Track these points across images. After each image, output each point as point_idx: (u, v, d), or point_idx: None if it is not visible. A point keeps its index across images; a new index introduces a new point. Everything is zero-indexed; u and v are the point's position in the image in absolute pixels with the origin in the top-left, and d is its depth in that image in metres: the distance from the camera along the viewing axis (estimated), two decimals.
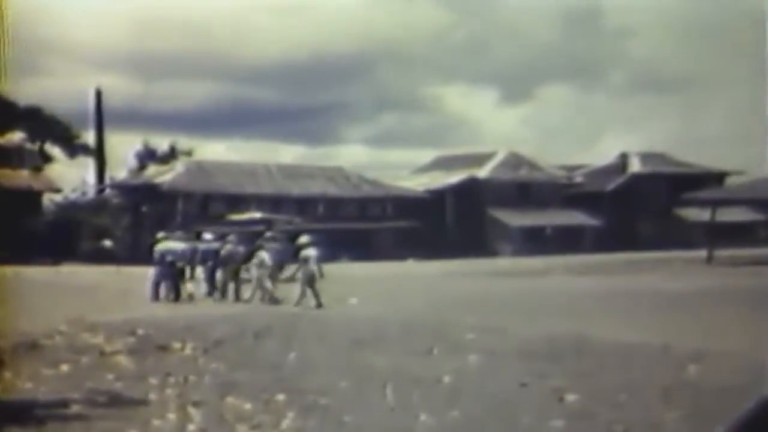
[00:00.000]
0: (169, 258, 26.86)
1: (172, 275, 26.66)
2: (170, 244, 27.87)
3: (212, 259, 27.43)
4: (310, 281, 24.33)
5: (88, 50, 70.66)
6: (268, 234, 30.28)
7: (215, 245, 28.18)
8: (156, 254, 27.30)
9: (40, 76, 65.22)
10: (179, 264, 27.01)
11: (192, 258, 27.59)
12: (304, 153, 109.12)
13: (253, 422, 10.35)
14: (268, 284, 25.88)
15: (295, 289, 24.69)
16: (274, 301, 25.40)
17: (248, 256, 27.16)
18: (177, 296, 26.36)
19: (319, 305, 23.73)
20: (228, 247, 27.47)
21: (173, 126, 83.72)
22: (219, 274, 27.09)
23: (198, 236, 30.58)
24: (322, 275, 24.58)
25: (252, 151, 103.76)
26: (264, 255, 26.34)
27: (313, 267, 24.39)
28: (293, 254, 26.89)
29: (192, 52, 76.04)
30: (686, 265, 41.14)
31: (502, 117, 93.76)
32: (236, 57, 78.80)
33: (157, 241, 28.27)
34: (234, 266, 26.85)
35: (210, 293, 26.96)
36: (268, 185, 59.66)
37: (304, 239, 26.07)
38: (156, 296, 26.37)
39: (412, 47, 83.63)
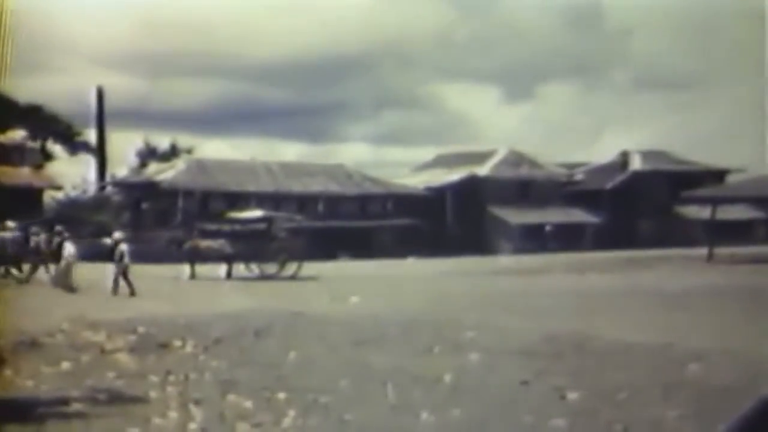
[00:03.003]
0: None
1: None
2: None
3: (14, 249, 29.37)
4: (123, 273, 27.31)
5: (89, 48, 70.54)
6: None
7: (16, 235, 30.24)
8: None
9: (41, 73, 65.11)
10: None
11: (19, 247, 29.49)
12: (305, 151, 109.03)
13: (254, 420, 10.35)
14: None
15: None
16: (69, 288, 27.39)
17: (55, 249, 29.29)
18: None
19: (132, 294, 26.30)
20: (34, 239, 30.26)
21: (175, 124, 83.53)
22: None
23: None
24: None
25: (254, 149, 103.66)
26: (69, 247, 28.69)
27: (126, 261, 27.51)
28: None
29: (194, 50, 75.93)
30: (686, 263, 41.10)
31: (503, 115, 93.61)
32: (238, 55, 78.67)
33: None
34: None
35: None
36: (268, 183, 59.57)
37: (117, 235, 29.43)
38: None
39: (413, 45, 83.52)
